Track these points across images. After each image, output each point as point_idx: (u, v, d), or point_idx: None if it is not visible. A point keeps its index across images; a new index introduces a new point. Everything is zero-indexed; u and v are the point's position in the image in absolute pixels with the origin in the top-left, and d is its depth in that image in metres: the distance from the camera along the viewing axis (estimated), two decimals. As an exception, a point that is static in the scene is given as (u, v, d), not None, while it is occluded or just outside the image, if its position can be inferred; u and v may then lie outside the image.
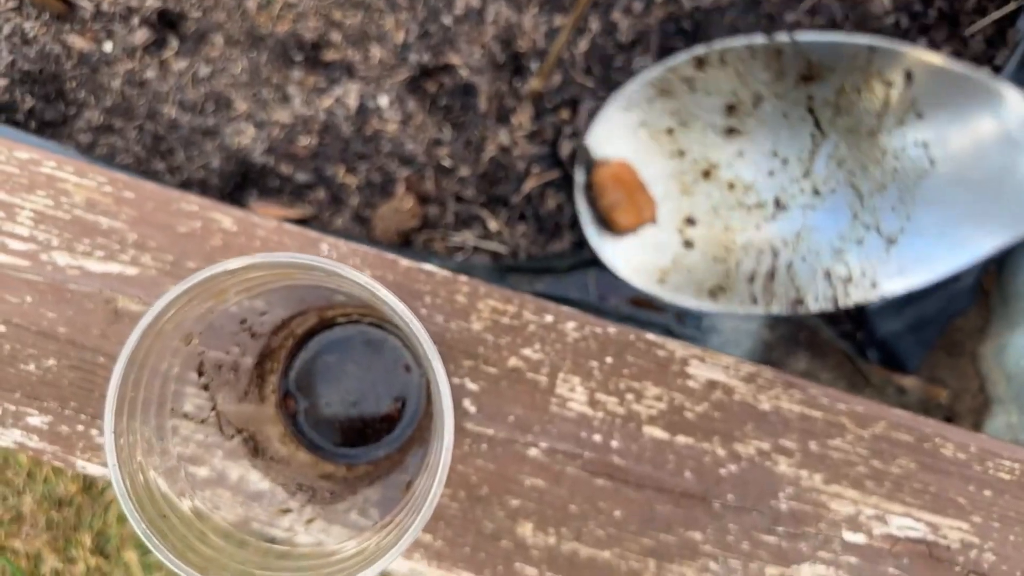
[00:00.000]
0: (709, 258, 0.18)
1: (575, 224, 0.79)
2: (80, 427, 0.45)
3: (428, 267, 0.45)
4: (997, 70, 0.83)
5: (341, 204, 0.80)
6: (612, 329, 0.45)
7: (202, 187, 0.81)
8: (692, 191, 0.20)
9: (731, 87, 0.21)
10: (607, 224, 0.19)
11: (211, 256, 0.46)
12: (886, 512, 0.45)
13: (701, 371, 0.44)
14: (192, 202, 0.46)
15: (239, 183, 0.81)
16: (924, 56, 0.22)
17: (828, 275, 0.19)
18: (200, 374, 0.33)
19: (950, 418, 0.73)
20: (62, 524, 1.18)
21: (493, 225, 0.79)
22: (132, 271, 0.45)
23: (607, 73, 0.80)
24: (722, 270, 0.18)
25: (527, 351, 0.45)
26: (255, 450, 0.38)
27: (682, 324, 0.77)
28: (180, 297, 0.26)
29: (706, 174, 0.20)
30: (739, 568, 0.43)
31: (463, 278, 0.45)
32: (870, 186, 0.21)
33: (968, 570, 0.45)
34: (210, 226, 0.46)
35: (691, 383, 0.44)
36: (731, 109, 0.21)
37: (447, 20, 0.81)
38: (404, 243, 0.79)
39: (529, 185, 0.78)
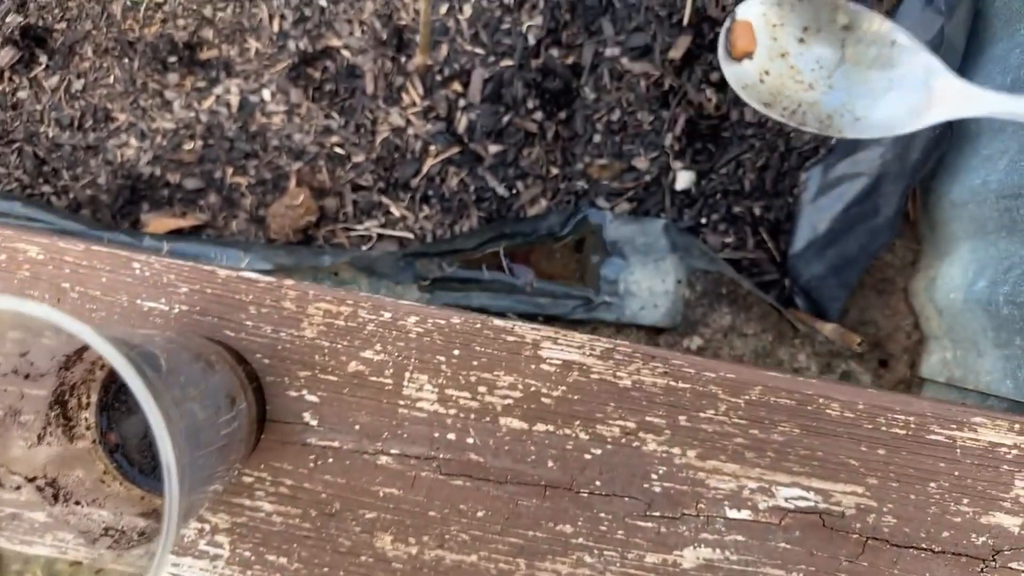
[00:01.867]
0: (770, 91, 0.30)
1: (480, 200, 0.76)
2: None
3: (249, 275, 0.41)
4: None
5: (234, 206, 0.76)
6: (456, 320, 0.41)
7: (92, 205, 0.77)
8: (772, 60, 0.30)
9: (811, 16, 0.31)
10: (730, 53, 0.31)
11: (20, 288, 0.42)
12: (771, 484, 0.42)
13: (555, 353, 0.41)
14: (-8, 233, 0.42)
15: (129, 198, 0.77)
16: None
17: (830, 118, 0.32)
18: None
19: (884, 361, 0.70)
20: None
21: (396, 211, 0.75)
22: (-64, 315, 0.42)
23: (496, 38, 0.75)
24: (775, 98, 0.31)
25: (368, 353, 0.42)
26: (55, 497, 0.35)
27: (599, 292, 0.74)
28: None
29: (782, 55, 0.30)
30: (616, 558, 0.40)
31: (289, 282, 0.41)
32: (857, 88, 0.33)
33: (867, 536, 0.42)
34: (16, 256, 0.42)
35: (545, 367, 0.41)
36: (805, 29, 0.30)
37: (323, 1, 0.76)
38: (303, 240, 0.75)
39: (428, 165, 0.74)
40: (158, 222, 0.77)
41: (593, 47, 0.74)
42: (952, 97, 0.32)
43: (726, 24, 0.37)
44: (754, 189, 0.75)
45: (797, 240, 0.73)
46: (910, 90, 0.35)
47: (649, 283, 0.71)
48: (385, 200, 0.76)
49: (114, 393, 0.40)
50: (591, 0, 0.74)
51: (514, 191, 0.75)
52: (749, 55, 0.37)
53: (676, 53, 0.75)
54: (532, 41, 0.75)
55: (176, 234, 0.74)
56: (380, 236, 0.76)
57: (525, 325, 0.41)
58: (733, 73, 0.36)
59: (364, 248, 0.76)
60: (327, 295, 0.41)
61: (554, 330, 0.41)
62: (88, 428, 0.39)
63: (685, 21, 0.76)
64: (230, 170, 0.76)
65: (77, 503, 0.36)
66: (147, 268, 0.41)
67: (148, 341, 0.33)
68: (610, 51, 0.75)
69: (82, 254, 0.42)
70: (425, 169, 0.76)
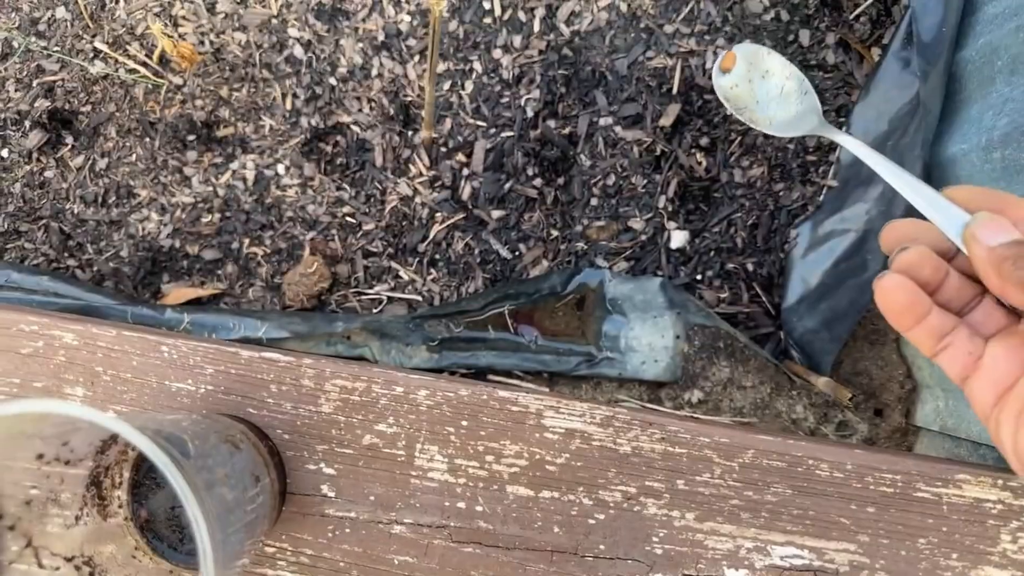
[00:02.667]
0: (736, 99, 0.37)
1: (485, 262, 0.79)
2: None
3: (270, 355, 0.44)
4: (885, 48, 0.83)
5: (251, 275, 0.80)
6: (464, 391, 0.44)
7: (115, 277, 0.81)
8: (741, 82, 0.42)
9: (768, 67, 0.43)
10: (720, 69, 0.39)
11: (56, 373, 0.45)
12: (767, 543, 0.44)
13: (557, 422, 0.44)
14: (32, 321, 0.46)
15: (150, 269, 0.81)
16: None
17: (760, 120, 0.38)
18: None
19: (879, 410, 0.72)
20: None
21: (405, 275, 0.79)
22: (-21, 400, 0.45)
23: (496, 111, 0.79)
24: (737, 104, 0.38)
25: (381, 426, 0.44)
26: (91, 575, 0.37)
27: (601, 349, 0.76)
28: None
29: (749, 81, 0.38)
30: (621, 619, 0.42)
31: (307, 360, 0.44)
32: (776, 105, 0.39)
33: (860, 588, 0.44)
34: (52, 343, 0.45)
35: (549, 435, 0.44)
36: (766, 72, 0.43)
37: (333, 80, 0.81)
38: (317, 305, 0.78)
39: (435, 231, 0.78)
40: (178, 292, 0.80)
41: (588, 117, 0.78)
42: (818, 125, 0.40)
43: (722, 53, 0.45)
44: (746, 246, 0.78)
45: (790, 294, 0.76)
46: (804, 114, 0.42)
47: (649, 339, 0.73)
48: (394, 265, 0.79)
49: (144, 472, 0.43)
50: (585, 73, 0.79)
51: (517, 253, 0.78)
52: (730, 70, 0.44)
53: (667, 120, 0.79)
54: (530, 113, 0.79)
55: (195, 303, 0.77)
56: (390, 299, 0.79)
57: (529, 395, 0.44)
58: (720, 84, 0.42)
59: (375, 311, 0.79)
60: (343, 372, 0.44)
61: (556, 399, 0.43)
62: (120, 506, 0.42)
63: (674, 90, 0.80)
64: (247, 241, 0.80)
65: (112, 579, 0.38)
66: (175, 351, 0.44)
67: (176, 427, 0.36)
68: (604, 120, 0.79)
69: (114, 339, 0.45)
70: (432, 234, 0.79)
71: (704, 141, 0.79)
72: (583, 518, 0.43)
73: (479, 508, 0.43)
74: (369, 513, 0.43)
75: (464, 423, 0.44)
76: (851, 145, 0.41)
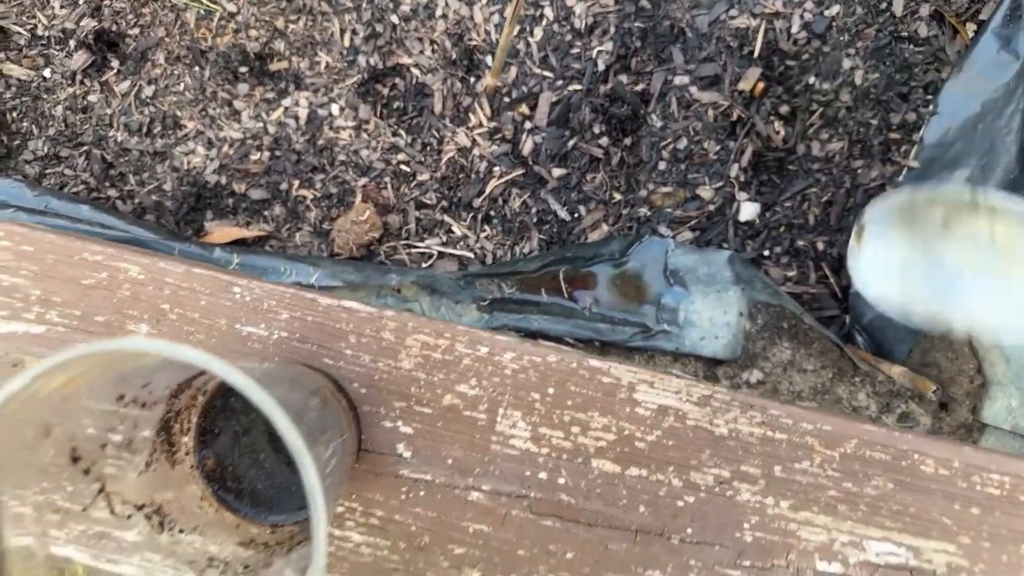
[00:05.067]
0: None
1: (542, 222, 0.75)
2: None
3: (350, 304, 0.41)
4: (982, 25, 0.78)
5: (299, 219, 0.77)
6: (552, 358, 0.41)
7: (157, 211, 0.78)
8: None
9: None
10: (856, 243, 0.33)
11: (119, 308, 0.43)
12: (863, 538, 0.41)
13: (650, 397, 0.41)
14: (96, 251, 0.43)
15: (194, 205, 0.78)
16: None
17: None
18: (76, 460, 0.30)
19: (945, 404, 0.69)
20: None
21: (457, 230, 0.76)
22: (38, 329, 0.43)
23: (565, 62, 0.75)
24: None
25: (463, 387, 0.42)
26: (160, 525, 0.35)
27: (659, 321, 0.73)
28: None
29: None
30: (704, 607, 0.40)
31: (389, 313, 0.41)
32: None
33: (956, 592, 0.41)
34: (117, 276, 0.43)
35: (640, 410, 0.41)
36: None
37: (395, 18, 0.76)
38: (366, 255, 0.75)
39: (492, 186, 0.74)
40: (222, 231, 0.78)
41: (663, 75, 0.74)
42: None
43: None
44: (818, 223, 0.74)
45: (861, 277, 0.72)
46: None
47: (710, 314, 0.70)
48: (447, 219, 0.76)
49: (212, 419, 0.41)
50: (663, 28, 0.74)
51: (576, 215, 0.75)
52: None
53: (746, 84, 0.74)
54: (601, 66, 0.75)
55: (239, 244, 0.75)
56: (441, 254, 0.76)
57: (621, 367, 0.41)
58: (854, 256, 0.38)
59: (424, 265, 0.76)
60: (425, 328, 0.41)
61: (651, 373, 0.40)
62: (187, 453, 0.40)
63: (756, 53, 0.75)
64: (296, 183, 0.77)
65: (181, 531, 0.36)
66: (248, 293, 0.42)
67: (270, 377, 0.34)
68: (679, 79, 0.75)
69: (182, 276, 0.42)
70: (488, 190, 0.76)
71: (784, 109, 0.75)
72: (671, 499, 0.40)
73: (561, 481, 0.41)
74: (446, 477, 0.41)
75: (550, 391, 0.41)
76: None
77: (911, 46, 0.77)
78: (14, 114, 0.81)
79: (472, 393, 0.41)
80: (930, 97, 0.77)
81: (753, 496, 0.40)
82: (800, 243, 0.74)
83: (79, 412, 0.29)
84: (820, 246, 0.74)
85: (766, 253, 0.75)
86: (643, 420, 0.41)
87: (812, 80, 0.74)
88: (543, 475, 0.41)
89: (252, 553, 0.37)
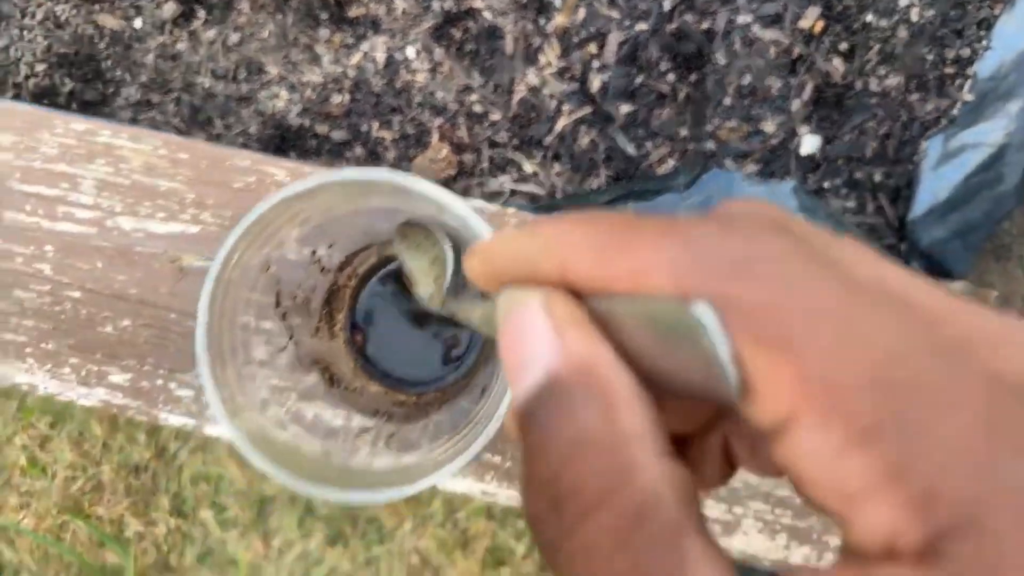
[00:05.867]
0: None
1: (610, 159, 0.79)
2: (159, 381, 0.48)
3: (476, 203, 0.46)
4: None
5: (379, 159, 0.82)
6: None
7: (242, 154, 0.83)
8: None
9: None
10: None
11: (269, 207, 0.48)
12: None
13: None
14: (245, 157, 0.48)
15: (278, 146, 0.83)
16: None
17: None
18: (278, 303, 0.35)
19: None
20: (140, 490, 1.25)
21: (528, 167, 0.80)
22: (193, 229, 0.48)
23: (632, 2, 0.79)
24: None
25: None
26: (331, 380, 0.41)
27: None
28: (251, 230, 0.28)
29: None
30: None
31: (510, 210, 0.46)
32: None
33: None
34: (264, 179, 0.48)
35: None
36: None
37: (467, -36, 0.80)
38: (442, 192, 0.80)
39: (561, 124, 0.79)
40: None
41: (727, 14, 0.77)
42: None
43: None
44: (876, 156, 0.78)
45: (917, 206, 0.76)
46: None
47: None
48: (518, 157, 0.80)
49: (362, 300, 0.46)
50: (727, -32, 0.77)
51: (643, 151, 0.79)
52: None
53: (806, 23, 0.77)
54: (668, 6, 0.78)
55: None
56: (513, 192, 0.80)
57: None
58: None
59: (497, 202, 0.80)
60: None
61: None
62: (341, 328, 0.45)
63: (816, -9, 0.78)
64: (376, 124, 0.81)
65: (346, 388, 0.41)
66: (385, 192, 0.46)
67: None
68: (742, 18, 0.78)
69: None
70: (558, 128, 0.80)
71: (843, 46, 0.78)
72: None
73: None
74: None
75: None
76: None
77: (968, -17, 0.79)
78: (108, 63, 0.86)
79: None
80: (984, 33, 0.79)
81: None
82: (858, 175, 0.78)
83: (285, 259, 0.34)
84: (877, 177, 0.77)
85: (826, 185, 0.78)
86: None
87: (870, 18, 0.77)
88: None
89: (405, 409, 0.42)
